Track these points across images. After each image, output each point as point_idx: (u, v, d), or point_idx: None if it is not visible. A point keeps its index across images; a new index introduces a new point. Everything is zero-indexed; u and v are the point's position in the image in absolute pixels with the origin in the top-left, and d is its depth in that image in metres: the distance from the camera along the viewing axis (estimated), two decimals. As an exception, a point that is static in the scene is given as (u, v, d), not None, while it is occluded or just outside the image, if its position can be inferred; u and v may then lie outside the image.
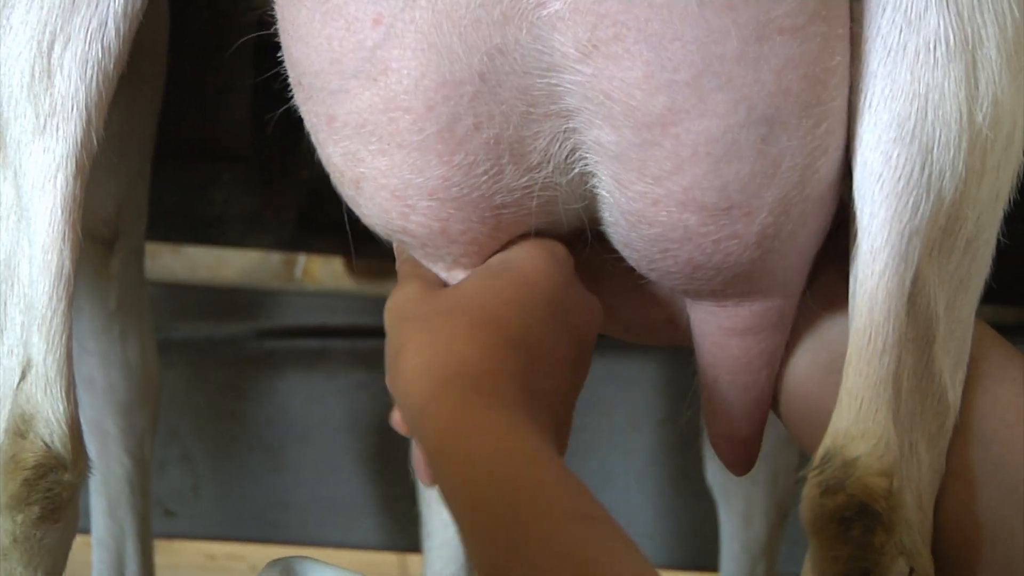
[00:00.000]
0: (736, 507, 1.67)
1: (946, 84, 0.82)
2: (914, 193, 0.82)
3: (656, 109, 0.80)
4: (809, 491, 0.81)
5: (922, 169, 0.82)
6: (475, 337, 0.83)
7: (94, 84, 0.88)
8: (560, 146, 0.84)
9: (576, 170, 0.84)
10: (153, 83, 1.29)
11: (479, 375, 0.81)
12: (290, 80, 0.88)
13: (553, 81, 0.81)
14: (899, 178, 0.82)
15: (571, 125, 0.83)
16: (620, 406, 2.08)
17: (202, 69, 1.48)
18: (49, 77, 0.88)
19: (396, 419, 0.90)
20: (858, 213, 0.83)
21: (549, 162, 0.84)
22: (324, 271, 2.43)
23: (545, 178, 0.85)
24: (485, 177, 0.84)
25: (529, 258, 0.88)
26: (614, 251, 0.89)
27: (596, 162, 0.84)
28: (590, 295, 0.91)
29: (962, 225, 0.85)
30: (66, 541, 0.93)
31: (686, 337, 0.94)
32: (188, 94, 1.49)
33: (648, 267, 0.87)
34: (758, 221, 0.83)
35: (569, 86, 0.81)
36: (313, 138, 0.88)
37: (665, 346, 0.99)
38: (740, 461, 0.96)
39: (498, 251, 0.88)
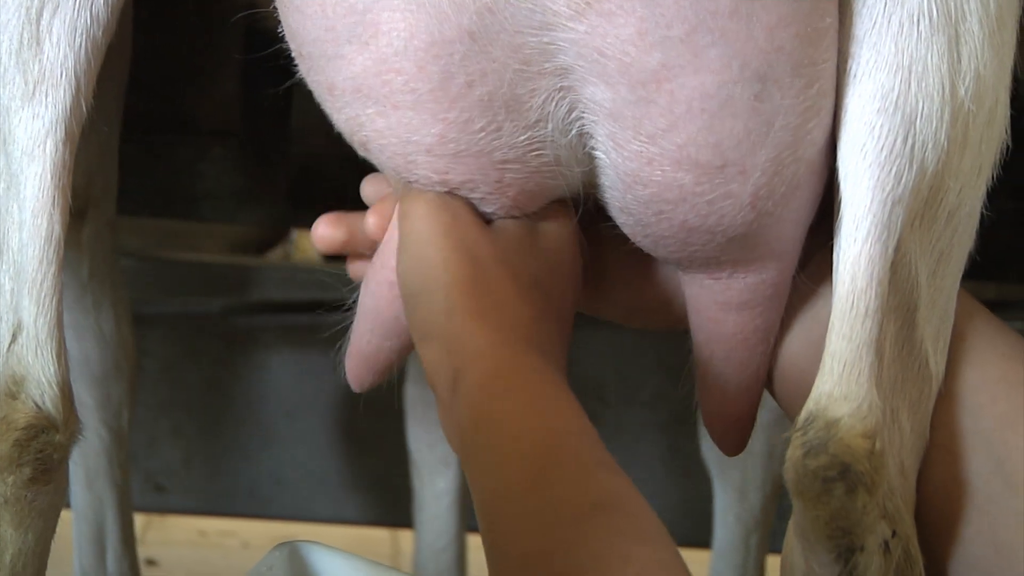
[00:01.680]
0: (732, 480, 1.67)
1: (929, 57, 0.83)
2: (897, 163, 0.82)
3: (650, 66, 0.80)
4: (792, 452, 0.82)
5: (905, 140, 0.83)
6: (525, 298, 0.85)
7: (83, 51, 0.88)
8: (557, 104, 0.84)
9: (575, 130, 0.85)
10: (119, 53, 1.29)
11: (531, 332, 0.83)
12: (293, 54, 0.89)
13: (546, 39, 0.81)
14: (882, 148, 0.82)
15: (566, 83, 0.83)
16: (612, 383, 2.08)
17: (192, 44, 1.48)
18: (38, 44, 0.88)
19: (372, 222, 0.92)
20: (842, 182, 0.83)
21: (548, 120, 0.85)
22: (314, 247, 2.43)
23: (545, 136, 0.85)
24: (483, 134, 0.85)
25: (563, 231, 0.90)
26: (609, 219, 0.89)
27: (593, 121, 0.84)
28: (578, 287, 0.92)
29: (944, 196, 0.85)
30: (56, 504, 0.93)
31: (682, 320, 0.95)
32: (178, 69, 1.49)
33: (643, 233, 0.88)
34: (752, 180, 0.83)
35: (562, 44, 0.81)
36: (322, 107, 0.89)
37: (663, 330, 0.99)
38: (733, 441, 0.97)
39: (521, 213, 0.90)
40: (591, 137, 0.85)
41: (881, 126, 0.82)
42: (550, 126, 0.85)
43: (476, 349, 0.82)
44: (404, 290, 0.88)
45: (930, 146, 0.83)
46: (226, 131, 1.54)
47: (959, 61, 0.83)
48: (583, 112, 0.84)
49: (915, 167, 0.83)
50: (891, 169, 0.82)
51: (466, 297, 0.84)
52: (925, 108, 0.83)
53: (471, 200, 0.88)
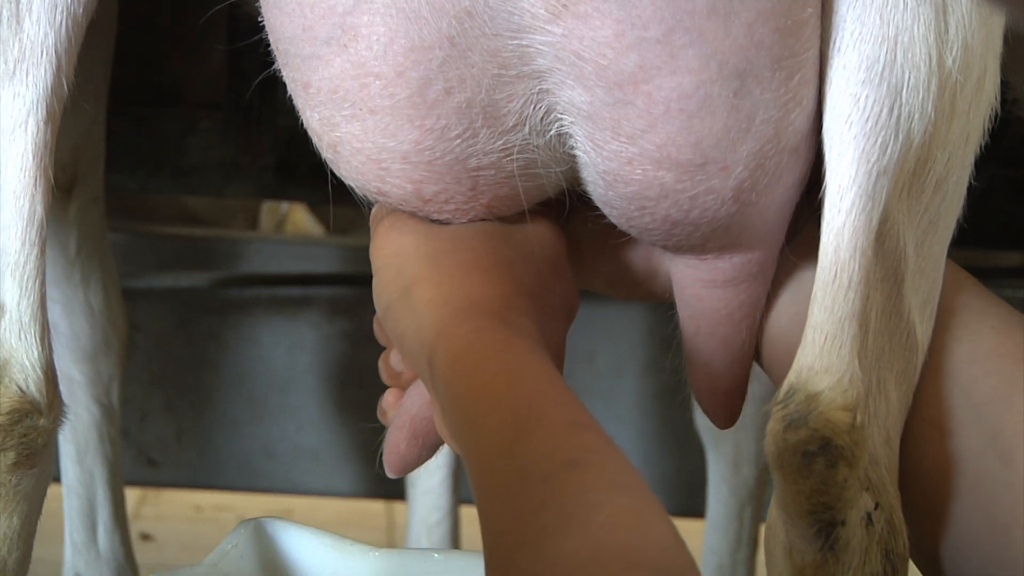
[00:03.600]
0: (725, 452, 1.68)
1: (916, 27, 0.82)
2: (882, 134, 0.82)
3: (627, 68, 0.80)
4: (773, 426, 0.82)
5: (891, 111, 0.82)
6: (490, 279, 0.85)
7: (63, 29, 0.88)
8: (535, 108, 0.84)
9: (552, 131, 0.84)
10: (105, 28, 1.28)
11: (497, 308, 0.83)
12: (271, 46, 0.88)
13: (524, 42, 0.81)
14: (867, 119, 0.82)
15: (544, 86, 0.83)
16: (603, 353, 2.08)
17: (179, 17, 1.47)
18: (18, 22, 0.87)
19: (385, 363, 0.92)
20: (827, 154, 0.83)
21: (525, 124, 0.84)
22: (306, 219, 2.44)
23: (522, 140, 0.85)
24: (458, 141, 0.84)
25: (536, 221, 0.90)
26: (595, 208, 0.89)
27: (571, 123, 0.84)
28: (571, 276, 0.92)
29: (932, 166, 0.85)
30: (41, 487, 0.93)
31: (667, 291, 0.95)
32: (165, 43, 1.48)
33: (627, 224, 0.87)
34: (734, 176, 0.83)
35: (540, 47, 0.81)
36: (294, 102, 0.88)
37: (647, 302, 0.99)
38: (724, 414, 0.96)
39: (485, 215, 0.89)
40: (570, 137, 0.84)
41: (866, 97, 0.82)
42: (527, 129, 0.84)
43: (443, 332, 0.81)
44: (379, 305, 0.88)
45: (916, 117, 0.83)
46: (213, 104, 1.54)
47: (946, 31, 0.83)
48: (561, 114, 0.83)
49: (901, 138, 0.82)
50: (876, 140, 0.82)
51: (429, 287, 0.84)
52: (911, 79, 0.82)
53: (444, 213, 0.87)
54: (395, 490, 1.90)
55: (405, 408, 0.91)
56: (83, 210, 1.34)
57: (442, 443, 0.91)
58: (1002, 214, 1.63)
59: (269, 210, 2.40)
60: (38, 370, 0.90)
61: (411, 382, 0.93)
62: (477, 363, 0.79)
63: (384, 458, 0.92)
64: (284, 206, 2.40)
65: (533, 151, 0.85)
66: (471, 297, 0.83)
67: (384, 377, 0.95)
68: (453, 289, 0.84)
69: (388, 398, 0.94)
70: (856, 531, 0.82)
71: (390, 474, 0.92)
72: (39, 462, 0.91)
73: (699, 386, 0.95)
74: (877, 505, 0.82)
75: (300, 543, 0.97)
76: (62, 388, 0.94)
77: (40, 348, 0.90)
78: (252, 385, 2.08)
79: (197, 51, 1.51)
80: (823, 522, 0.81)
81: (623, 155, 0.83)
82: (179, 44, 1.50)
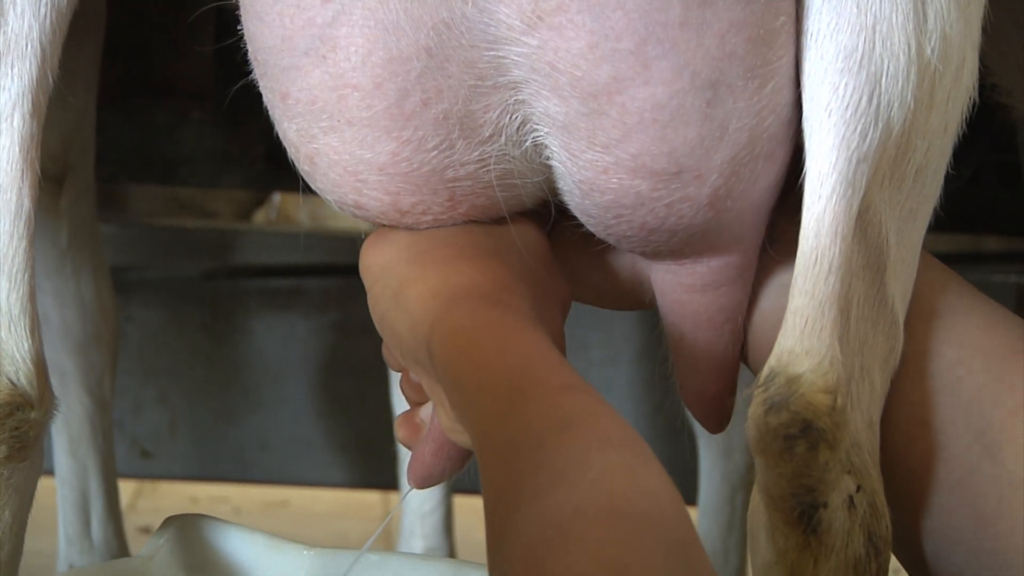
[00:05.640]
0: (717, 439, 1.68)
1: (894, 16, 0.83)
2: (862, 121, 0.82)
3: (601, 78, 0.80)
4: (754, 409, 0.82)
5: (870, 99, 0.83)
6: (483, 268, 0.85)
7: (48, 21, 0.88)
8: (511, 118, 0.84)
9: (528, 142, 0.85)
10: (95, 18, 1.29)
11: (487, 291, 0.83)
12: (249, 55, 0.88)
13: (500, 54, 0.81)
14: (847, 107, 0.82)
15: (520, 97, 0.83)
16: (597, 341, 2.09)
17: (168, 8, 1.47)
18: (2, 14, 0.87)
19: (390, 355, 0.92)
20: (807, 143, 0.83)
21: (501, 134, 0.85)
22: (298, 210, 2.44)
23: (498, 151, 0.85)
24: (435, 152, 0.84)
25: (519, 223, 0.90)
26: (573, 218, 0.89)
27: (546, 133, 0.84)
28: (559, 272, 0.92)
29: (912, 155, 0.85)
30: (32, 480, 0.93)
31: (654, 300, 0.95)
32: (154, 33, 1.48)
33: (605, 232, 0.88)
34: (709, 183, 0.84)
35: (516, 58, 0.81)
36: (270, 114, 0.89)
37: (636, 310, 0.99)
38: (714, 419, 0.97)
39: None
40: (546, 147, 0.85)
41: (845, 85, 0.82)
42: (503, 139, 0.84)
43: (437, 321, 0.81)
44: (376, 320, 0.88)
45: (896, 105, 0.83)
46: (203, 94, 1.54)
47: (925, 21, 0.83)
48: (537, 124, 0.84)
49: (881, 126, 0.83)
50: (856, 127, 0.82)
51: (417, 285, 0.84)
52: (891, 67, 0.83)
53: (423, 224, 0.88)
54: (390, 480, 1.90)
55: (433, 422, 0.92)
56: (74, 201, 1.34)
57: (470, 456, 0.91)
58: (991, 200, 1.64)
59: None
60: (28, 363, 0.90)
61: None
62: (472, 342, 0.79)
63: (409, 470, 0.92)
64: (276, 197, 2.40)
65: (510, 161, 0.86)
66: (461, 286, 0.84)
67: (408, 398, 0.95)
68: (441, 282, 0.84)
69: (424, 411, 0.93)
70: (838, 514, 0.82)
71: (413, 486, 0.92)
72: (30, 455, 0.91)
73: (687, 391, 0.96)
74: (859, 488, 0.82)
75: (230, 540, 0.97)
76: (54, 380, 0.94)
77: (30, 341, 0.89)
78: (245, 376, 2.08)
79: (187, 42, 1.51)
80: (805, 505, 0.82)
81: (598, 164, 0.83)
82: (169, 35, 1.50)
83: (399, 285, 0.86)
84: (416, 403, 0.93)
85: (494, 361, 0.77)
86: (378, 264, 0.89)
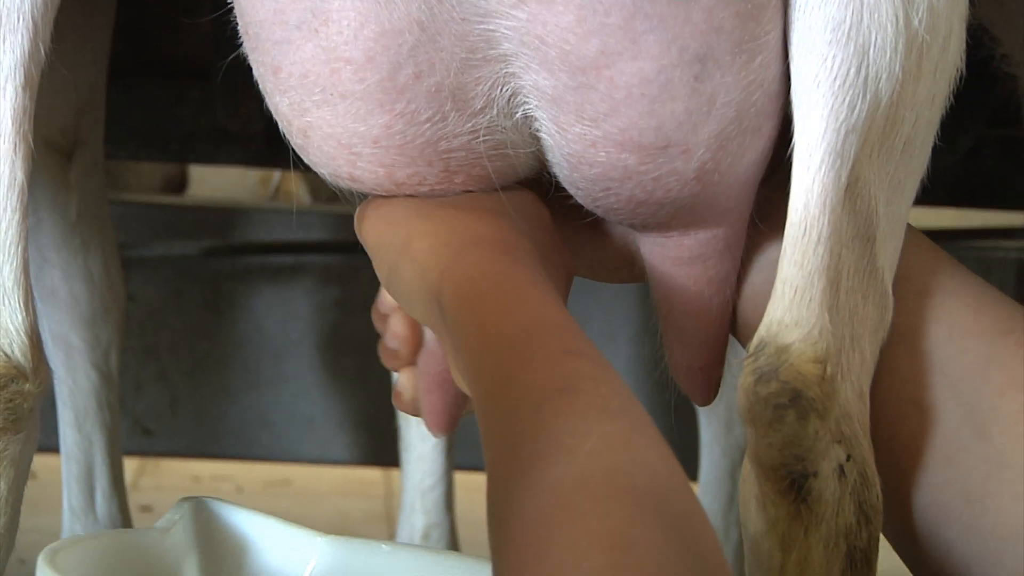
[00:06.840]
0: (717, 414, 1.68)
1: None
2: (850, 92, 0.83)
3: (589, 53, 0.81)
4: (744, 379, 0.83)
5: (858, 70, 0.83)
6: (492, 223, 0.85)
7: (39, -6, 0.88)
8: (501, 90, 0.85)
9: (519, 114, 0.85)
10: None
11: (500, 241, 0.84)
12: (239, 29, 0.88)
13: (490, 27, 0.82)
14: (835, 78, 0.83)
15: (510, 70, 0.84)
16: (596, 318, 2.09)
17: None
18: (-8, -12, 0.88)
19: (380, 306, 0.92)
20: (796, 115, 0.84)
21: (492, 106, 0.85)
22: (299, 187, 2.44)
23: (490, 122, 0.86)
24: (428, 124, 0.85)
25: (517, 190, 0.90)
26: (564, 191, 0.90)
27: (536, 106, 0.85)
28: (560, 240, 0.92)
29: (900, 127, 0.86)
30: (27, 453, 0.93)
31: (645, 273, 0.96)
32: (154, 11, 1.49)
33: (593, 205, 0.89)
34: (696, 157, 0.84)
35: (505, 31, 0.82)
36: (261, 87, 0.89)
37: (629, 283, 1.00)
38: (702, 391, 0.97)
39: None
40: (535, 120, 0.85)
41: (834, 57, 0.83)
42: (495, 111, 0.85)
43: (448, 270, 0.82)
44: (381, 276, 0.88)
45: (884, 76, 0.83)
46: (204, 73, 1.54)
47: None
48: (526, 97, 0.84)
49: (869, 97, 0.83)
50: (844, 98, 0.83)
51: (426, 237, 0.85)
52: (878, 39, 0.83)
53: (419, 195, 0.88)
54: (392, 457, 1.90)
55: (425, 372, 0.92)
56: (84, 175, 1.34)
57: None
58: (991, 173, 1.64)
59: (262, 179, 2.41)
60: (22, 335, 0.90)
61: (412, 358, 0.93)
62: (480, 295, 0.79)
63: (427, 423, 0.91)
64: (277, 175, 2.41)
65: (501, 132, 0.86)
66: (472, 233, 0.84)
67: (376, 324, 0.94)
68: (451, 232, 0.84)
69: (402, 380, 0.93)
70: (829, 483, 0.82)
71: (438, 434, 0.92)
72: (25, 427, 0.91)
73: (676, 363, 0.96)
74: (849, 457, 0.83)
75: (240, 521, 0.97)
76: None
77: (24, 312, 0.90)
78: (246, 354, 2.08)
79: (187, 19, 1.51)
80: (795, 474, 0.82)
81: (587, 138, 0.84)
82: (169, 13, 1.50)
83: (407, 238, 0.86)
84: (383, 329, 0.93)
85: (499, 322, 0.77)
86: (383, 223, 0.89)
